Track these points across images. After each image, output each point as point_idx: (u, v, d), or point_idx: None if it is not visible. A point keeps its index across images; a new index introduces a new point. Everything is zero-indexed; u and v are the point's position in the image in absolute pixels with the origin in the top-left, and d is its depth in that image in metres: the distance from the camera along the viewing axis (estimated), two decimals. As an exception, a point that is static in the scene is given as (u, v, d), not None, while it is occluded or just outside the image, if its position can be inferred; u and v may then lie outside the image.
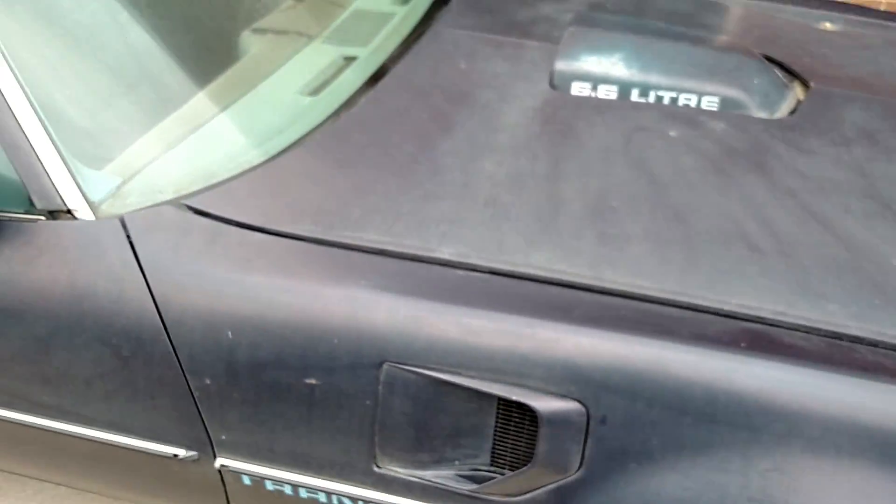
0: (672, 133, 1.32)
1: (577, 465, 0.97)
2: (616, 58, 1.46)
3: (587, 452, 0.96)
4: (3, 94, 1.07)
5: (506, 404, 0.99)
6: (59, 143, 1.09)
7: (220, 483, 1.14)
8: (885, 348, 0.94)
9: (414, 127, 1.32)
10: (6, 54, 1.09)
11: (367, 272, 1.03)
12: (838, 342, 0.95)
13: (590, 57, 1.46)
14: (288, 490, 1.11)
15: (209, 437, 1.09)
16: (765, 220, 1.12)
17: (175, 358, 1.05)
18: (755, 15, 1.81)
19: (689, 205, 1.15)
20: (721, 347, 0.94)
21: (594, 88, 1.44)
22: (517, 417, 0.99)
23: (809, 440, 0.90)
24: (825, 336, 0.96)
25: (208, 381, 1.05)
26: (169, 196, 1.13)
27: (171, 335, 1.04)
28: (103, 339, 1.07)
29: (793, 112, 1.42)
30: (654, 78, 1.43)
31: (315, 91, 1.40)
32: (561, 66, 1.45)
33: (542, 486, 0.99)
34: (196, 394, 1.06)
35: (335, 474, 1.07)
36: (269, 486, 1.11)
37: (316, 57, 1.51)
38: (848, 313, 0.97)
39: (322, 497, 1.09)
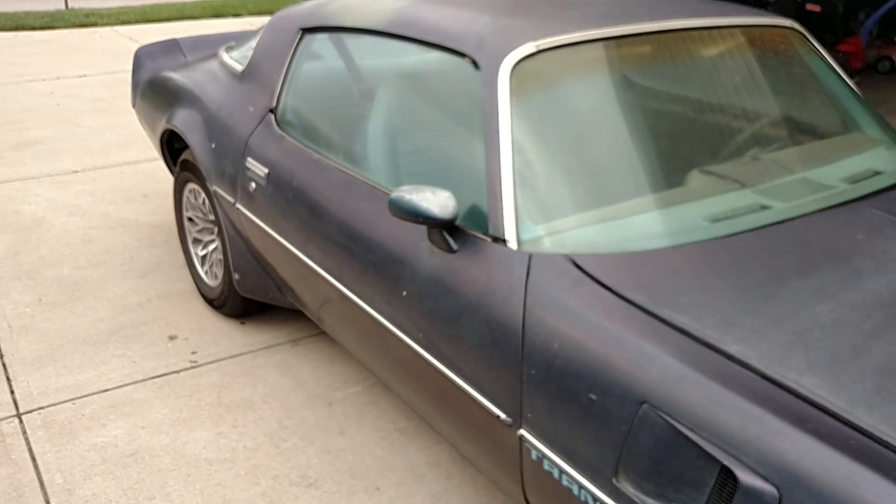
0: None
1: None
2: None
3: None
4: (499, 159, 1.70)
5: (724, 472, 1.19)
6: (518, 199, 1.67)
7: (518, 452, 1.55)
8: None
9: (779, 266, 1.56)
10: (508, 129, 1.71)
11: (660, 335, 1.35)
12: None
13: None
14: (555, 472, 1.46)
15: (521, 410, 1.52)
16: None
17: (521, 348, 1.51)
18: None
19: None
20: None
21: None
22: (730, 486, 1.19)
23: None
24: None
25: (534, 372, 1.48)
26: (567, 251, 1.61)
27: (524, 332, 1.51)
28: (488, 322, 1.59)
29: None
30: None
31: (716, 220, 1.74)
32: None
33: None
34: (524, 377, 1.50)
35: (583, 471, 1.39)
36: (546, 465, 1.48)
37: (737, 200, 1.84)
38: None
39: (574, 489, 1.42)
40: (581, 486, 1.41)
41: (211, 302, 3.17)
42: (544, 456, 1.49)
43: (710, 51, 2.14)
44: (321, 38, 2.49)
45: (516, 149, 1.72)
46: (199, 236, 3.26)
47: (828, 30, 8.11)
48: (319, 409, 2.60)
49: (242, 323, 3.12)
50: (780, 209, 1.80)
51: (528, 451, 1.53)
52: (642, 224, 1.70)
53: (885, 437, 1.11)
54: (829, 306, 1.43)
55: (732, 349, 1.31)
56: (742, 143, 2.03)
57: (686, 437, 1.23)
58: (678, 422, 1.25)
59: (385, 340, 1.95)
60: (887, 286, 1.49)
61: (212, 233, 3.16)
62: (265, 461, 2.35)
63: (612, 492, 1.34)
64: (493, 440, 1.64)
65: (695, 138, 1.98)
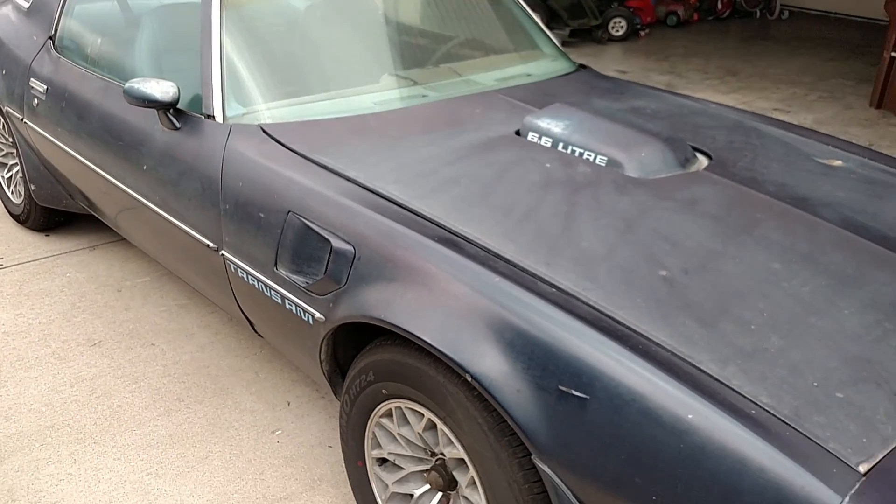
0: (548, 165, 1.98)
1: (345, 279, 1.73)
2: (560, 123, 2.14)
3: (351, 273, 1.72)
4: (211, 56, 2.23)
5: (330, 246, 1.79)
6: (224, 86, 2.20)
7: (224, 269, 2.11)
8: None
9: (408, 128, 2.18)
10: (218, 34, 2.24)
11: (305, 168, 1.93)
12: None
13: (546, 119, 2.17)
14: (245, 276, 2.04)
15: (222, 237, 2.07)
16: (575, 220, 1.75)
17: (220, 191, 2.06)
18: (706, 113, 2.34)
19: (533, 202, 1.80)
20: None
21: (539, 138, 2.15)
22: (332, 254, 1.78)
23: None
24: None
25: (227, 207, 2.03)
26: (259, 122, 2.16)
27: (222, 179, 2.05)
28: (199, 177, 2.13)
29: (667, 178, 1.95)
30: (574, 139, 2.08)
31: (380, 103, 2.34)
32: (526, 120, 2.19)
33: (331, 291, 1.76)
34: (221, 213, 2.05)
35: (257, 268, 1.97)
36: (240, 273, 2.05)
37: (407, 92, 2.45)
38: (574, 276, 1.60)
39: (256, 283, 2.00)
40: (258, 279, 1.98)
41: (17, 218, 3.53)
42: (238, 266, 2.05)
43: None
44: (91, -26, 2.92)
45: (224, 49, 2.25)
46: (3, 160, 3.60)
47: (620, -12, 9.06)
48: (109, 294, 3.06)
49: (47, 235, 3.51)
50: (434, 96, 2.42)
51: (229, 267, 2.09)
52: (321, 105, 2.27)
53: (421, 212, 1.73)
54: (431, 149, 2.05)
55: (350, 174, 1.91)
56: (432, 56, 2.64)
57: (312, 229, 1.82)
58: (308, 220, 1.83)
59: (139, 212, 2.44)
60: (478, 138, 2.14)
61: (14, 155, 3.50)
62: (57, 331, 2.80)
63: (274, 276, 1.92)
64: (210, 266, 2.19)
65: (389, 50, 2.57)
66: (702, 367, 1.33)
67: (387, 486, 1.87)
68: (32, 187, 3.21)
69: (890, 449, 1.23)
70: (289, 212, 1.88)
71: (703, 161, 2.12)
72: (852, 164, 2.24)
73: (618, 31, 8.61)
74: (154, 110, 2.28)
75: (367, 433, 1.86)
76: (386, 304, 1.63)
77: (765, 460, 1.19)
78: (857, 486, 1.16)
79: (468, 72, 2.65)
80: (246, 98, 2.23)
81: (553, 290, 1.50)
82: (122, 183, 2.45)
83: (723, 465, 1.22)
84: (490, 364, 1.45)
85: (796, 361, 1.38)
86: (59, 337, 2.76)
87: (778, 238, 1.73)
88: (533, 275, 1.54)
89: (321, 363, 1.92)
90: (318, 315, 1.81)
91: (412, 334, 1.55)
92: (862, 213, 1.90)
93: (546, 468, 1.41)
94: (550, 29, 8.11)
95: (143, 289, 3.10)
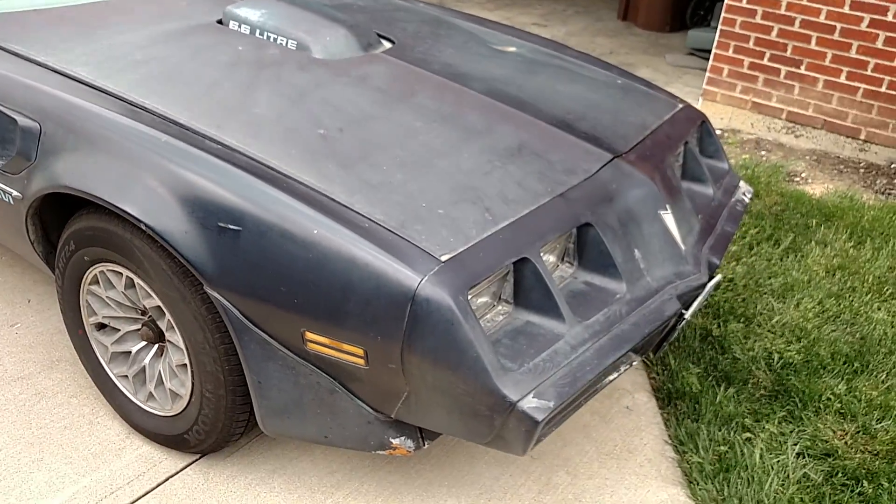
0: (240, 48, 2.17)
1: (34, 155, 1.85)
2: (258, 12, 2.34)
3: (39, 149, 1.84)
4: None
5: (16, 124, 1.89)
6: None
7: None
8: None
9: (114, 18, 2.28)
10: None
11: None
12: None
13: (245, 8, 2.35)
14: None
15: None
16: (255, 93, 1.95)
17: None
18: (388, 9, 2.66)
19: (218, 79, 1.99)
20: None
21: (239, 26, 2.33)
22: (10, 128, 1.88)
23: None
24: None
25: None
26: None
27: None
28: None
29: (348, 60, 2.21)
30: (268, 25, 2.29)
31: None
32: (227, 10, 2.36)
33: (24, 168, 1.88)
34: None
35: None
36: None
37: None
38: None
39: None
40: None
41: None
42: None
43: None
44: None
45: None
46: None
47: None
48: None
49: None
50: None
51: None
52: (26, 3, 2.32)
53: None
54: (128, 36, 2.17)
55: (39, 58, 2.00)
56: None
57: (5, 114, 1.91)
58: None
59: None
60: (179, 26, 2.28)
61: None
62: None
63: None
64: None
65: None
66: (332, 197, 1.62)
67: (107, 348, 2.05)
68: None
69: (468, 245, 1.59)
70: (-14, 99, 1.95)
71: (385, 46, 2.40)
72: (525, 50, 2.62)
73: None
74: None
75: (82, 301, 2.02)
76: (70, 172, 1.78)
77: (369, 257, 1.51)
78: (435, 269, 1.50)
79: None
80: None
81: (218, 146, 1.72)
82: None
83: (340, 266, 1.52)
84: (161, 212, 1.66)
85: (413, 190, 1.70)
86: None
87: (427, 104, 2.05)
88: (202, 135, 1.75)
89: (32, 244, 2.04)
90: (15, 193, 1.92)
91: (93, 195, 1.72)
92: (511, 85, 2.27)
93: (216, 294, 1.65)
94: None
95: None
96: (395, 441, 1.73)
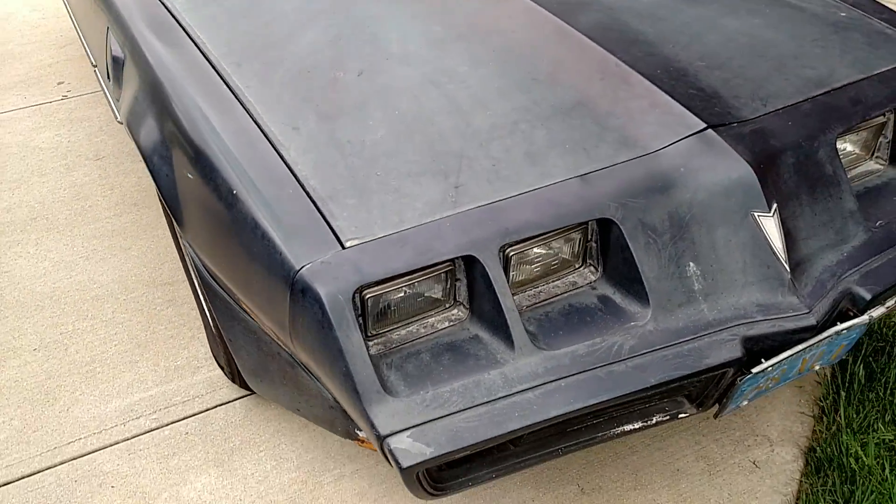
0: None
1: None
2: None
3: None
4: None
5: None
6: None
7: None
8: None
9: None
10: None
11: None
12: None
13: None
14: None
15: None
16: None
17: None
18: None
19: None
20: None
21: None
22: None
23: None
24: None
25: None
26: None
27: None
28: None
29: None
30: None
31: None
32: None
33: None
34: None
35: None
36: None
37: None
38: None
39: None
40: None
41: (91, 57, 4.14)
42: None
43: None
44: None
45: None
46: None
47: None
48: (130, 119, 3.56)
49: (112, 72, 4.08)
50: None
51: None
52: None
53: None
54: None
55: None
56: None
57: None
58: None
59: None
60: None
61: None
62: (76, 147, 3.36)
63: None
64: None
65: None
66: (281, 153, 1.43)
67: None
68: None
69: (392, 232, 1.28)
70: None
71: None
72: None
73: None
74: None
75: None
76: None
77: (269, 230, 1.31)
78: (324, 258, 1.24)
79: None
80: None
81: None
82: None
83: (249, 228, 1.35)
84: (152, 153, 1.65)
85: (380, 153, 1.42)
86: (76, 152, 3.32)
87: (494, 43, 1.69)
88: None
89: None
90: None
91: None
92: (638, 17, 1.74)
93: (185, 242, 1.61)
94: None
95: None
96: (361, 434, 1.53)
